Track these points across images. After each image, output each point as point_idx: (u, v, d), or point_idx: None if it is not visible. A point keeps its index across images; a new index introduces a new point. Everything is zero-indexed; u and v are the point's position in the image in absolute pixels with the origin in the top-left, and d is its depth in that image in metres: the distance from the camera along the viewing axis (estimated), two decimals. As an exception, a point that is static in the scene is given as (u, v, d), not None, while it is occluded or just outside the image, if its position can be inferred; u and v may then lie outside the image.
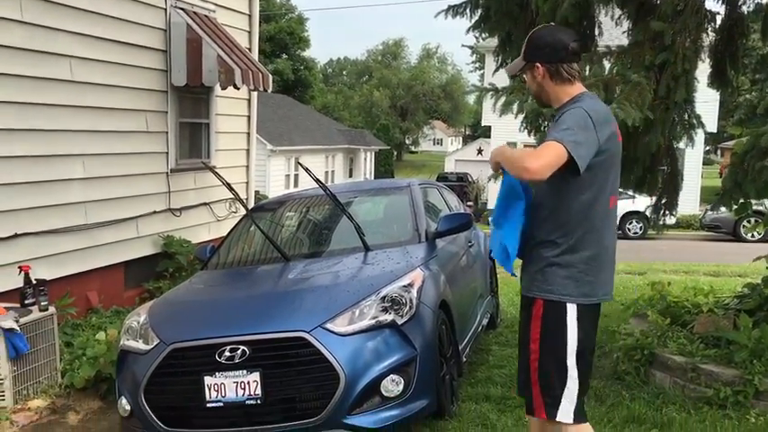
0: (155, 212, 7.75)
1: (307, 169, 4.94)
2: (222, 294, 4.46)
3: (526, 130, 5.51)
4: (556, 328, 2.69)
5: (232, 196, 5.23)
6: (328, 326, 3.77)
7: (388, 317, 3.84)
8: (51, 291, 5.78)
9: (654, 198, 5.26)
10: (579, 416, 2.72)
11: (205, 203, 8.72)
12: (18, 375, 4.86)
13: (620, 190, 3.14)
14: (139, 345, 4.06)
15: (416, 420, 3.87)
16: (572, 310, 2.67)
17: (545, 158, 2.49)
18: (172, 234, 7.98)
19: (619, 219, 19.06)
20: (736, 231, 18.31)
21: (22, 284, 5.26)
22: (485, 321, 5.96)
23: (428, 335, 3.96)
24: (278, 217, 5.58)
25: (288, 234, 5.39)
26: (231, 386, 3.70)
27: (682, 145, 5.50)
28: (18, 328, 4.77)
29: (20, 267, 5.26)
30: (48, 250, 6.20)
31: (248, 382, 3.68)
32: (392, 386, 3.75)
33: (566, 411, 2.69)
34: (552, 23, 2.98)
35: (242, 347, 3.71)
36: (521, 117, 5.25)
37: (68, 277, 6.49)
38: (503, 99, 5.26)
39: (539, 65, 2.74)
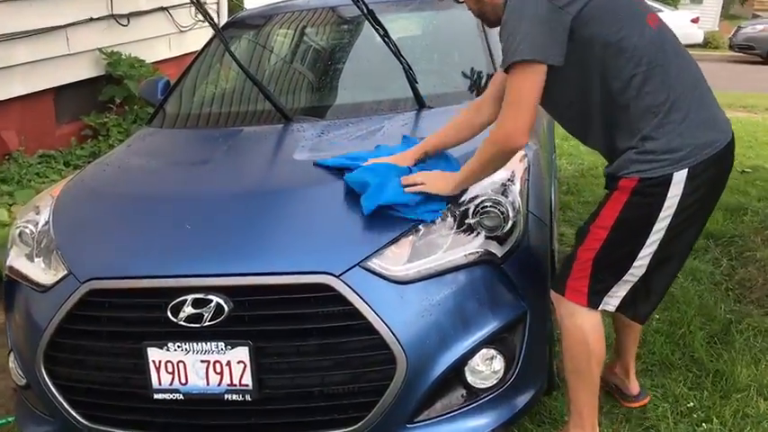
0: (91, 19, 5.70)
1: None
2: (181, 185, 2.58)
3: None
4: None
5: (196, -1, 3.26)
6: (374, 263, 2.04)
7: (478, 244, 2.12)
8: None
9: None
10: None
11: (162, 8, 6.63)
12: None
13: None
14: (36, 271, 2.31)
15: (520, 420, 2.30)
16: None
17: (520, 105, 1.90)
18: (118, 50, 5.99)
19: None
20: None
21: None
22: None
23: (542, 274, 2.28)
24: (265, 39, 3.64)
25: (286, 71, 3.46)
26: (197, 367, 2.03)
27: None
28: None
29: None
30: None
31: (228, 363, 2.02)
32: (485, 368, 2.13)
33: None
34: None
35: (216, 298, 2.00)
36: None
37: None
38: None
39: None
